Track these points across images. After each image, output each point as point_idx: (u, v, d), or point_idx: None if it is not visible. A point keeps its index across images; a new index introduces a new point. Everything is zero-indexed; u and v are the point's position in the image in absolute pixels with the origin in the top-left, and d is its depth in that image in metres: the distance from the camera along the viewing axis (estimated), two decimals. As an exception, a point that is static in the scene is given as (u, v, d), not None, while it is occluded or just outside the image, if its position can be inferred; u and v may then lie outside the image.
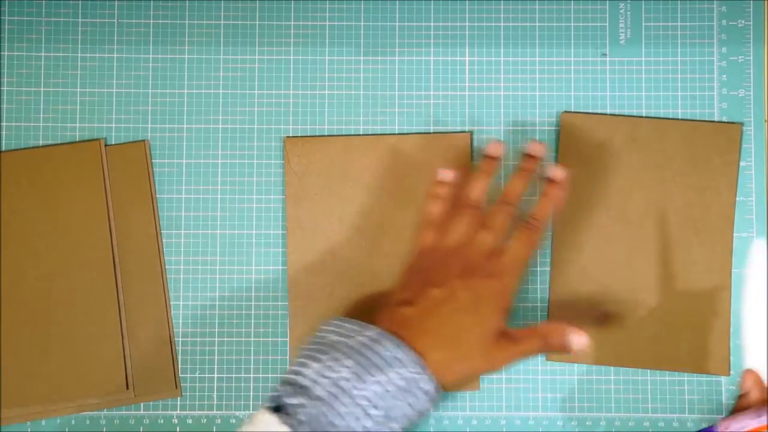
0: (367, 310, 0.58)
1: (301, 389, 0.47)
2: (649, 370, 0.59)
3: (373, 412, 0.46)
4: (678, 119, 0.60)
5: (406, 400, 0.47)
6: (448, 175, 0.56)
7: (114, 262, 0.59)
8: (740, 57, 0.60)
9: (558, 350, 0.52)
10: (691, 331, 0.58)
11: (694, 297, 0.58)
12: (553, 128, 0.60)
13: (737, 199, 0.59)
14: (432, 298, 0.51)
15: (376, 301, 0.58)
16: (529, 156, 0.56)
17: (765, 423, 0.54)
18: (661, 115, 0.60)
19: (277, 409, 0.46)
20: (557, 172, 0.55)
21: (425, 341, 0.49)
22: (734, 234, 0.59)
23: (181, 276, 0.59)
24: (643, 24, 0.61)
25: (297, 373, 0.48)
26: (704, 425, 0.58)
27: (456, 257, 0.52)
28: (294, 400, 0.46)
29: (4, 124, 0.60)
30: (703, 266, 0.59)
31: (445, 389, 0.49)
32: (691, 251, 0.59)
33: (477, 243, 0.53)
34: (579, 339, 0.52)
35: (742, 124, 0.59)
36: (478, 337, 0.50)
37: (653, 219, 0.59)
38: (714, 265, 0.59)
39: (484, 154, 0.56)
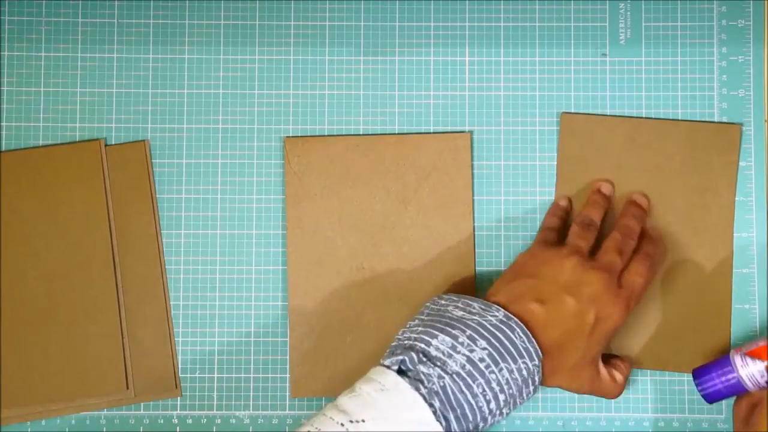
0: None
1: (432, 360, 0.47)
2: (649, 370, 0.59)
3: (501, 396, 0.48)
4: (678, 120, 0.60)
5: (523, 391, 0.49)
6: (565, 202, 0.59)
7: (114, 262, 0.59)
8: (740, 57, 0.60)
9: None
10: (692, 331, 0.58)
11: (695, 297, 0.58)
12: (554, 128, 0.60)
13: (737, 198, 0.59)
14: (564, 308, 0.51)
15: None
16: (636, 204, 0.58)
17: None
18: (661, 116, 0.60)
19: (404, 373, 0.47)
20: (656, 234, 0.58)
21: (543, 342, 0.50)
22: (734, 234, 0.59)
23: (181, 276, 0.59)
24: (643, 24, 0.61)
25: (422, 341, 0.48)
26: (705, 425, 0.58)
27: (588, 269, 0.52)
28: (425, 369, 0.47)
29: (4, 124, 0.60)
30: (704, 267, 0.59)
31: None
32: (690, 252, 0.59)
33: (610, 263, 0.53)
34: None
35: (741, 124, 0.59)
36: (581, 358, 0.51)
37: (653, 219, 0.59)
38: (715, 265, 0.59)
39: (598, 191, 0.58)
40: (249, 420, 0.59)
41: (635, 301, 0.53)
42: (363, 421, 0.45)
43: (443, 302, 0.52)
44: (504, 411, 0.49)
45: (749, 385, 0.53)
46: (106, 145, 0.60)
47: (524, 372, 0.48)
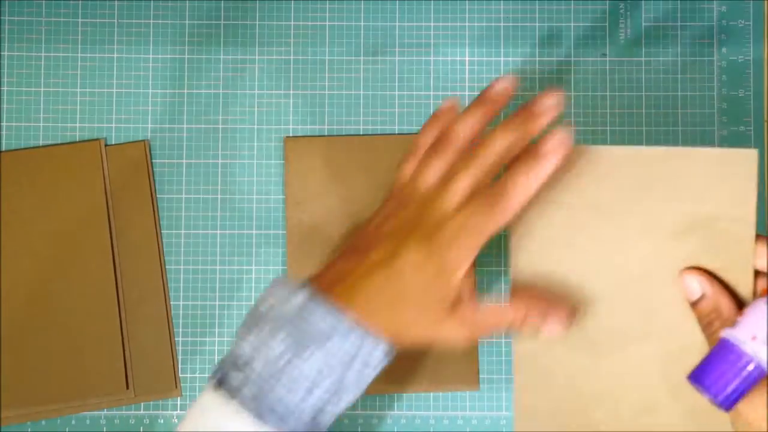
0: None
1: (242, 365, 0.44)
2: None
3: (317, 389, 0.43)
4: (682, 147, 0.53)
5: (355, 367, 0.43)
6: (450, 104, 0.48)
7: (114, 262, 0.59)
8: (740, 57, 0.60)
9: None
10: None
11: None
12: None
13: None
14: (375, 257, 0.44)
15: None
16: (533, 111, 0.44)
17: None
18: (661, 115, 0.60)
19: (221, 384, 0.44)
20: (559, 140, 0.43)
21: (367, 305, 0.44)
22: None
23: (181, 276, 0.60)
24: (643, 24, 0.61)
25: (237, 346, 0.45)
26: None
27: (418, 207, 0.45)
28: (236, 377, 0.44)
29: (4, 124, 0.60)
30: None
31: (403, 347, 0.45)
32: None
33: (445, 198, 0.44)
34: (553, 327, 0.47)
35: (756, 149, 0.47)
36: (427, 301, 0.44)
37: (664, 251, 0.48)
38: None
39: (491, 89, 0.45)
40: (249, 420, 0.59)
41: (467, 240, 0.44)
42: None
43: (264, 293, 0.46)
44: (346, 396, 0.44)
45: None
46: (106, 145, 0.60)
47: (344, 351, 0.43)
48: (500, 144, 0.44)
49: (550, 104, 0.44)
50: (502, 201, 0.43)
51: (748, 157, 0.45)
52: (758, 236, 0.45)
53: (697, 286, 0.46)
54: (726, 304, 0.45)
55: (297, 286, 0.45)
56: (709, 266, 0.46)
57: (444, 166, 0.45)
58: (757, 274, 0.46)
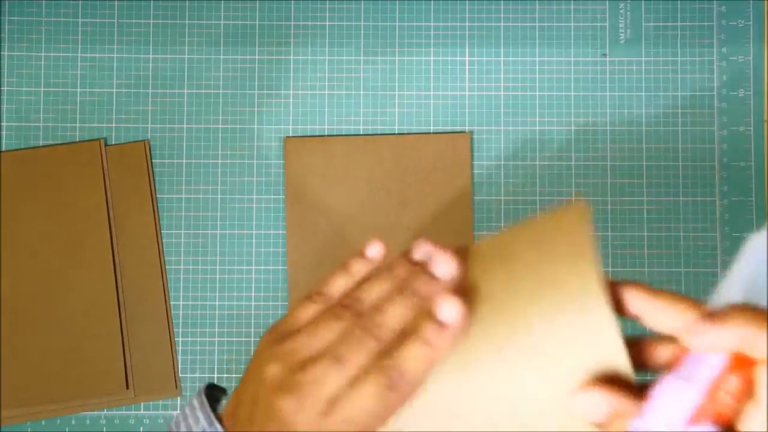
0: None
1: None
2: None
3: None
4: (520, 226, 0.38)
5: None
6: (376, 250, 0.40)
7: (114, 262, 0.59)
8: (740, 57, 0.60)
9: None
10: None
11: None
12: (553, 128, 0.60)
13: (736, 198, 0.59)
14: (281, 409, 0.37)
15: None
16: (432, 278, 0.38)
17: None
18: (661, 115, 0.60)
19: None
20: (450, 312, 0.36)
21: None
22: (733, 234, 0.59)
23: (181, 276, 0.60)
24: (643, 24, 0.61)
25: None
26: None
27: (317, 369, 0.38)
28: None
29: (4, 124, 0.60)
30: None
31: None
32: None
33: (341, 371, 0.38)
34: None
35: (589, 204, 0.40)
36: None
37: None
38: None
39: (408, 264, 0.39)
40: (249, 420, 0.59)
41: (353, 424, 0.37)
42: None
43: (181, 415, 0.42)
44: None
45: None
46: (106, 145, 0.60)
47: None
48: (398, 317, 0.38)
49: (449, 267, 0.38)
50: (399, 387, 0.37)
51: (579, 213, 0.35)
52: (620, 284, 0.35)
53: (592, 403, 0.34)
54: (630, 406, 0.34)
55: (213, 421, 0.40)
56: (581, 363, 0.34)
57: (342, 329, 0.39)
58: (651, 343, 0.35)
